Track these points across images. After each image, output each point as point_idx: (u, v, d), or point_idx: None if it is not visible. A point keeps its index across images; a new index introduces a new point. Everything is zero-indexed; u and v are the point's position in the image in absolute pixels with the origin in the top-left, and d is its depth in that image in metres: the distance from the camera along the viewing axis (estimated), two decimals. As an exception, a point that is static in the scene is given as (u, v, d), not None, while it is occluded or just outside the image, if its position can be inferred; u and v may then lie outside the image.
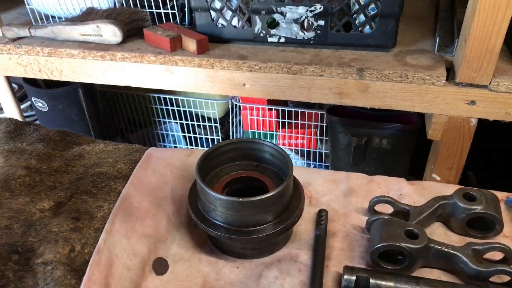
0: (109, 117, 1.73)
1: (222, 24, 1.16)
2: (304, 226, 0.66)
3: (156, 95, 1.63)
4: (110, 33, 1.20)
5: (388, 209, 0.66)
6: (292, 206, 0.60)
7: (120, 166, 0.68)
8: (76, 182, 0.65)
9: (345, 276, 0.55)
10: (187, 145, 1.73)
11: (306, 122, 1.53)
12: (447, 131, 1.05)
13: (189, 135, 1.69)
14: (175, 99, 1.63)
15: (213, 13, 1.15)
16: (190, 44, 1.14)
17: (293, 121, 1.54)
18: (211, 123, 1.66)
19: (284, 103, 1.63)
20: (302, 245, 0.63)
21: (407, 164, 1.23)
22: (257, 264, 0.61)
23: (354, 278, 0.55)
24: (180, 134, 1.71)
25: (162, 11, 1.24)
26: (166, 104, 1.64)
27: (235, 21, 1.15)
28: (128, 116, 1.74)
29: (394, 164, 1.19)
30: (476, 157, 1.15)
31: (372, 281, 0.54)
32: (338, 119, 1.21)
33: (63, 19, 1.32)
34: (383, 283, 0.54)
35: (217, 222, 0.58)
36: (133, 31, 1.24)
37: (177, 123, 1.70)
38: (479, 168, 1.28)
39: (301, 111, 1.51)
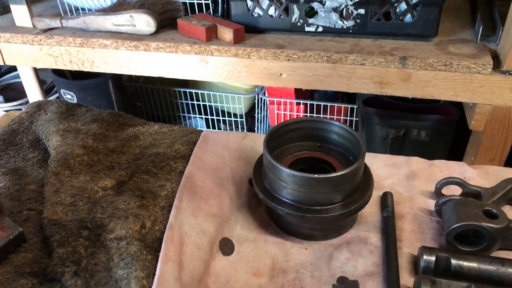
0: (133, 112, 1.72)
1: (258, 14, 1.15)
2: (369, 209, 0.64)
3: (181, 90, 1.62)
4: (144, 23, 1.18)
5: (455, 191, 0.64)
6: (362, 186, 0.58)
7: (178, 147, 0.66)
8: (135, 162, 0.63)
9: (424, 257, 0.53)
10: (211, 140, 1.71)
11: (335, 117, 1.51)
12: (490, 121, 1.03)
13: (214, 131, 1.67)
14: (201, 93, 1.61)
15: (249, 2, 1.13)
16: (226, 33, 1.12)
17: (321, 115, 1.52)
18: (237, 118, 1.65)
19: (311, 97, 1.62)
20: (370, 228, 0.61)
21: (445, 156, 1.21)
22: (326, 245, 0.58)
23: (433, 258, 0.53)
24: (205, 129, 1.69)
25: (195, 1, 1.23)
26: (191, 99, 1.63)
27: (271, 11, 1.13)
28: (152, 111, 1.72)
29: (432, 156, 1.16)
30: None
31: (453, 261, 0.52)
32: (375, 111, 1.19)
33: (93, 11, 1.31)
34: (466, 263, 0.52)
35: (287, 200, 0.56)
36: (165, 22, 1.23)
37: (202, 118, 1.68)
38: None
39: (330, 105, 1.50)
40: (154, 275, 0.47)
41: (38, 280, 0.47)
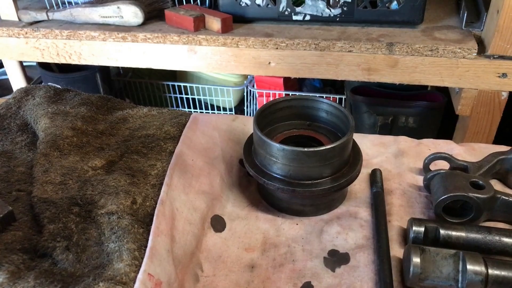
0: (122, 107, 1.71)
1: (245, 3, 1.15)
2: (359, 186, 0.64)
3: (170, 83, 1.61)
4: (131, 14, 1.18)
5: (443, 167, 0.65)
6: (352, 161, 0.59)
7: (168, 128, 0.66)
8: (125, 143, 0.63)
9: (414, 228, 0.54)
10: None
11: (324, 107, 1.52)
12: (476, 105, 1.05)
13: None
14: (190, 87, 1.61)
15: (237, -8, 1.14)
16: (214, 23, 1.13)
17: (310, 106, 1.53)
18: (226, 112, 1.65)
19: (300, 89, 1.62)
20: (359, 203, 0.62)
21: (432, 143, 1.23)
22: (316, 220, 0.59)
23: (422, 229, 0.53)
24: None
25: (182, -8, 1.23)
26: (180, 93, 1.62)
27: (259, 0, 1.14)
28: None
29: (420, 143, 1.18)
30: (501, 133, 1.14)
31: (442, 231, 0.53)
32: (364, 99, 1.20)
33: (80, 3, 1.30)
34: (454, 233, 0.53)
35: (278, 175, 0.56)
36: (153, 13, 1.23)
37: (191, 112, 1.68)
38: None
39: (318, 96, 1.50)
40: (145, 247, 0.47)
41: (29, 256, 0.46)
